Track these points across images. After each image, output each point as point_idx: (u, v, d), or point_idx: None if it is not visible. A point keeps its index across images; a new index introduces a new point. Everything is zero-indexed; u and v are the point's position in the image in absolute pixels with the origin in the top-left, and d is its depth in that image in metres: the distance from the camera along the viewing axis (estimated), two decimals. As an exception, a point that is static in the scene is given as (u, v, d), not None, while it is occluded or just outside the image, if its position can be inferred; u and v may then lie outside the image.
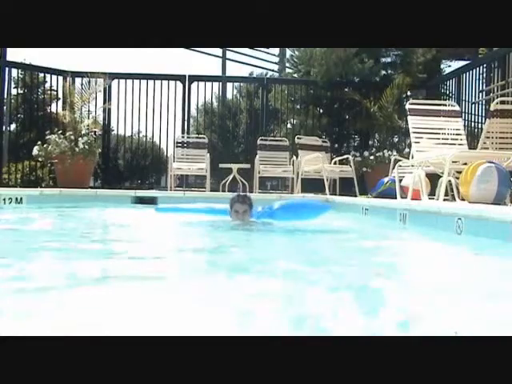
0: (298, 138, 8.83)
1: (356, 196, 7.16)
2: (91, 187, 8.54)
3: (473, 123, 9.00)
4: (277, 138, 9.55)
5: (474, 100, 8.70)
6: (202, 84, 9.93)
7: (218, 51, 13.22)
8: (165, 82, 9.71)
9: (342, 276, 1.98)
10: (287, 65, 12.28)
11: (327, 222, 4.09)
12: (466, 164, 4.45)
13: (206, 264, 2.26)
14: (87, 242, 2.97)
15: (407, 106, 5.86)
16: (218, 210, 4.13)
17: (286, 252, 2.73)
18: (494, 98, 6.82)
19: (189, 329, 1.19)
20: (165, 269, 2.10)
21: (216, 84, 10.40)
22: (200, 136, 9.43)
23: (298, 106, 10.62)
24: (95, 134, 8.31)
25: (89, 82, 8.54)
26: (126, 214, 5.34)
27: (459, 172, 4.52)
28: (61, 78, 8.98)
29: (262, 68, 16.42)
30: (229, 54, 13.40)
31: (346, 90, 9.77)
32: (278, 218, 3.88)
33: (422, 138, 5.49)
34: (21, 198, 5.83)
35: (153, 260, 2.31)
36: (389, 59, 10.11)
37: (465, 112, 8.52)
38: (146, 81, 9.66)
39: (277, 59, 14.82)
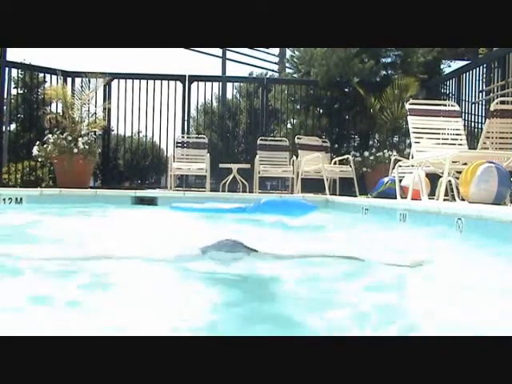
0: (297, 138, 8.84)
1: (356, 196, 7.16)
2: (91, 187, 8.55)
3: (473, 123, 9.01)
4: (277, 138, 9.56)
5: (474, 100, 8.70)
6: (202, 84, 9.93)
7: (218, 51, 13.22)
8: (165, 82, 9.72)
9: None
10: (287, 65, 12.28)
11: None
12: (465, 164, 4.45)
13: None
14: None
15: (407, 106, 5.87)
16: (233, 209, 4.28)
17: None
18: (493, 98, 6.82)
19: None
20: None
21: (216, 84, 10.40)
22: (200, 136, 9.43)
23: (298, 106, 10.62)
24: (95, 134, 8.31)
25: (88, 82, 8.55)
26: (145, 214, 5.34)
27: (459, 172, 4.52)
28: (60, 78, 8.98)
29: (262, 68, 16.44)
30: (229, 54, 13.40)
31: (346, 90, 9.79)
32: (265, 212, 4.13)
33: (421, 138, 5.50)
34: (21, 198, 5.83)
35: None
36: (389, 59, 10.12)
37: (465, 112, 8.53)
38: (145, 81, 9.66)
39: (277, 59, 14.82)
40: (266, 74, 17.23)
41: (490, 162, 4.06)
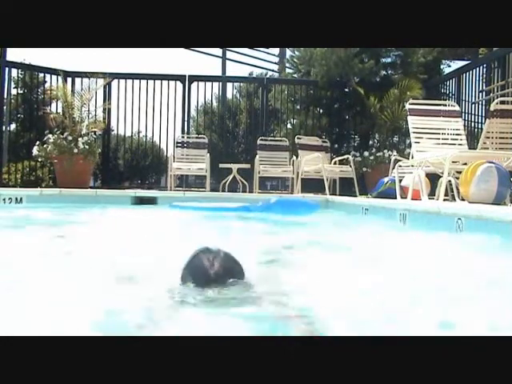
0: (297, 138, 8.84)
1: (356, 196, 7.16)
2: (91, 187, 8.55)
3: (473, 123, 9.00)
4: (277, 138, 9.55)
5: (474, 100, 8.70)
6: (202, 84, 9.94)
7: (218, 51, 13.22)
8: (165, 82, 9.71)
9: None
10: (287, 65, 12.28)
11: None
12: (465, 164, 4.45)
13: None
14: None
15: (407, 106, 5.87)
16: (232, 208, 4.35)
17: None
18: (493, 98, 6.82)
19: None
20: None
21: (216, 84, 10.40)
22: (200, 136, 9.43)
23: (298, 107, 10.62)
24: (95, 134, 8.31)
25: (89, 82, 8.55)
26: (140, 215, 5.32)
27: (459, 172, 4.52)
28: (60, 78, 8.98)
29: (262, 68, 16.43)
30: (229, 54, 13.38)
31: (347, 90, 9.79)
32: (274, 211, 4.23)
33: (421, 138, 5.50)
34: (21, 198, 5.83)
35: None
36: (389, 59, 10.11)
37: (465, 112, 8.52)
38: (145, 81, 9.66)
39: (277, 59, 14.80)
40: (266, 74, 17.23)
41: (490, 162, 4.06)
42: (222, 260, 1.49)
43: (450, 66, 11.67)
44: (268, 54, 14.80)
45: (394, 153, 7.92)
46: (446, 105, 6.25)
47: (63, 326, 1.18)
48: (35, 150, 7.85)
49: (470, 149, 5.70)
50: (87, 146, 7.75)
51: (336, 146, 9.71)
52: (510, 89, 7.25)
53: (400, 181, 5.26)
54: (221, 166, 8.73)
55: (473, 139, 8.05)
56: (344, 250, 2.85)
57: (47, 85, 9.70)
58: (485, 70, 8.56)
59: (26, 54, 11.31)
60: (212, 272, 1.46)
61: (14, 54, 9.34)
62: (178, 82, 9.70)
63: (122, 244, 2.66)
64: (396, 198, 5.04)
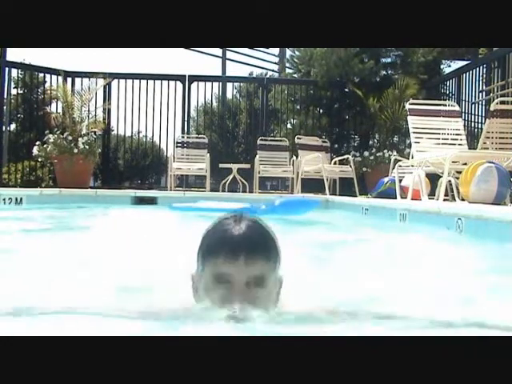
0: (297, 138, 8.84)
1: (356, 196, 7.16)
2: (91, 187, 8.55)
3: (473, 123, 9.00)
4: (277, 138, 9.56)
5: (474, 100, 8.70)
6: (202, 84, 9.94)
7: (218, 51, 13.21)
8: (165, 82, 9.72)
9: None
10: (287, 65, 12.28)
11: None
12: (465, 164, 4.45)
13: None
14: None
15: (407, 106, 5.87)
16: (234, 210, 4.35)
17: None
18: (493, 98, 6.82)
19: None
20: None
21: (216, 84, 10.41)
22: (200, 136, 9.44)
23: (298, 107, 10.63)
24: (95, 134, 8.32)
25: (89, 82, 8.56)
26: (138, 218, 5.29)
27: (459, 172, 4.53)
28: (60, 78, 8.99)
29: (262, 68, 16.43)
30: (229, 54, 13.38)
31: (347, 90, 9.79)
32: (279, 212, 4.26)
33: (421, 138, 5.50)
34: (21, 198, 5.83)
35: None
36: (389, 59, 10.12)
37: (465, 112, 8.53)
38: (145, 81, 9.67)
39: (277, 59, 14.80)
40: (266, 74, 17.24)
41: (490, 162, 4.07)
42: (252, 224, 1.17)
43: (450, 66, 11.68)
44: (268, 54, 14.80)
45: (394, 153, 7.92)
46: (445, 105, 6.26)
47: (64, 327, 1.18)
48: (35, 150, 7.85)
49: (470, 149, 5.71)
50: (87, 146, 7.75)
51: (336, 146, 9.71)
52: (510, 89, 7.25)
53: (400, 181, 5.26)
54: (221, 165, 8.73)
55: (473, 139, 8.05)
56: (346, 251, 2.85)
57: (47, 85, 9.71)
58: (485, 70, 8.56)
59: (26, 54, 11.32)
60: (237, 235, 1.13)
61: (14, 54, 9.36)
62: (178, 82, 9.71)
63: (123, 247, 2.65)
64: (396, 198, 5.04)
